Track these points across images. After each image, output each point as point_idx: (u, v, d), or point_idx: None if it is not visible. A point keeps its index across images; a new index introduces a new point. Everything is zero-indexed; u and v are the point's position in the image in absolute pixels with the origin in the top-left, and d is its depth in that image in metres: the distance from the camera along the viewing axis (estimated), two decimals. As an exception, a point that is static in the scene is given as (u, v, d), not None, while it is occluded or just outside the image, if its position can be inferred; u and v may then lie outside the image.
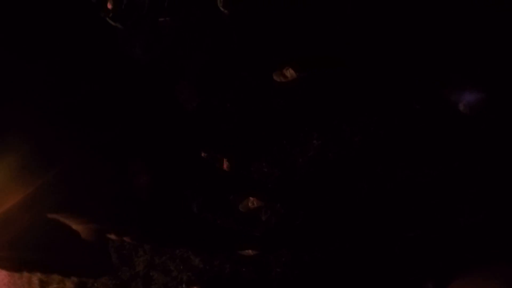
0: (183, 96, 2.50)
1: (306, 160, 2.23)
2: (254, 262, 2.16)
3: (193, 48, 2.71)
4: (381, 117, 2.13)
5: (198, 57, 2.67)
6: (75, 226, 1.15)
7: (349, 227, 2.03)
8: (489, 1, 1.97)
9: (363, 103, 2.19)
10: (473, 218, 1.83)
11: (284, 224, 2.18)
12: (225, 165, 2.31)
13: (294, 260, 2.10)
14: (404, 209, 1.95)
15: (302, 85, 2.34)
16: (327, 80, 2.28)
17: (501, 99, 1.94)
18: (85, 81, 1.05)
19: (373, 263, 1.94)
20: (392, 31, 2.15)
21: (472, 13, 2.01)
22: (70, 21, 1.07)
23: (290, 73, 2.34)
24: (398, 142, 2.07)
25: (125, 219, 1.28)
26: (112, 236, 1.40)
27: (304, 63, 2.31)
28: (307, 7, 2.08)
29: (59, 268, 1.17)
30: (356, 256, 1.98)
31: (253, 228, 2.23)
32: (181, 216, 1.62)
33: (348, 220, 2.04)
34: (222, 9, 2.43)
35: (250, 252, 2.14)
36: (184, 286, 2.31)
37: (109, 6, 2.39)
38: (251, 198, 2.23)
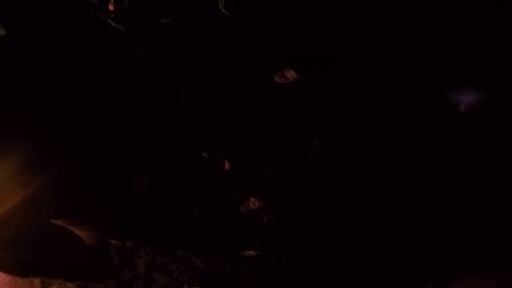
0: (184, 96, 2.51)
1: (307, 161, 2.23)
2: (255, 263, 2.16)
3: (194, 49, 2.71)
4: (381, 118, 2.14)
5: (199, 58, 2.68)
6: (76, 228, 1.15)
7: (350, 228, 2.03)
8: (489, 1, 1.97)
9: (363, 104, 2.19)
10: (473, 218, 1.83)
11: (285, 225, 2.18)
12: (226, 166, 2.31)
13: (295, 261, 2.10)
14: (404, 210, 1.96)
15: (303, 87, 2.34)
16: (328, 81, 2.29)
17: (501, 100, 1.94)
18: (86, 82, 1.06)
19: (374, 264, 1.94)
20: (393, 31, 2.16)
21: (472, 13, 2.01)
22: (72, 22, 1.07)
23: (291, 74, 2.34)
24: (399, 143, 2.07)
25: (125, 219, 1.28)
26: (114, 241, 1.40)
27: (305, 65, 2.31)
28: (308, 8, 2.08)
29: (60, 272, 1.17)
30: (356, 257, 1.98)
31: (254, 229, 2.24)
32: (182, 217, 1.62)
33: (349, 221, 2.04)
34: (223, 10, 2.43)
35: (251, 253, 2.14)
36: (185, 286, 2.31)
37: (111, 7, 2.39)
38: (252, 199, 2.23)
